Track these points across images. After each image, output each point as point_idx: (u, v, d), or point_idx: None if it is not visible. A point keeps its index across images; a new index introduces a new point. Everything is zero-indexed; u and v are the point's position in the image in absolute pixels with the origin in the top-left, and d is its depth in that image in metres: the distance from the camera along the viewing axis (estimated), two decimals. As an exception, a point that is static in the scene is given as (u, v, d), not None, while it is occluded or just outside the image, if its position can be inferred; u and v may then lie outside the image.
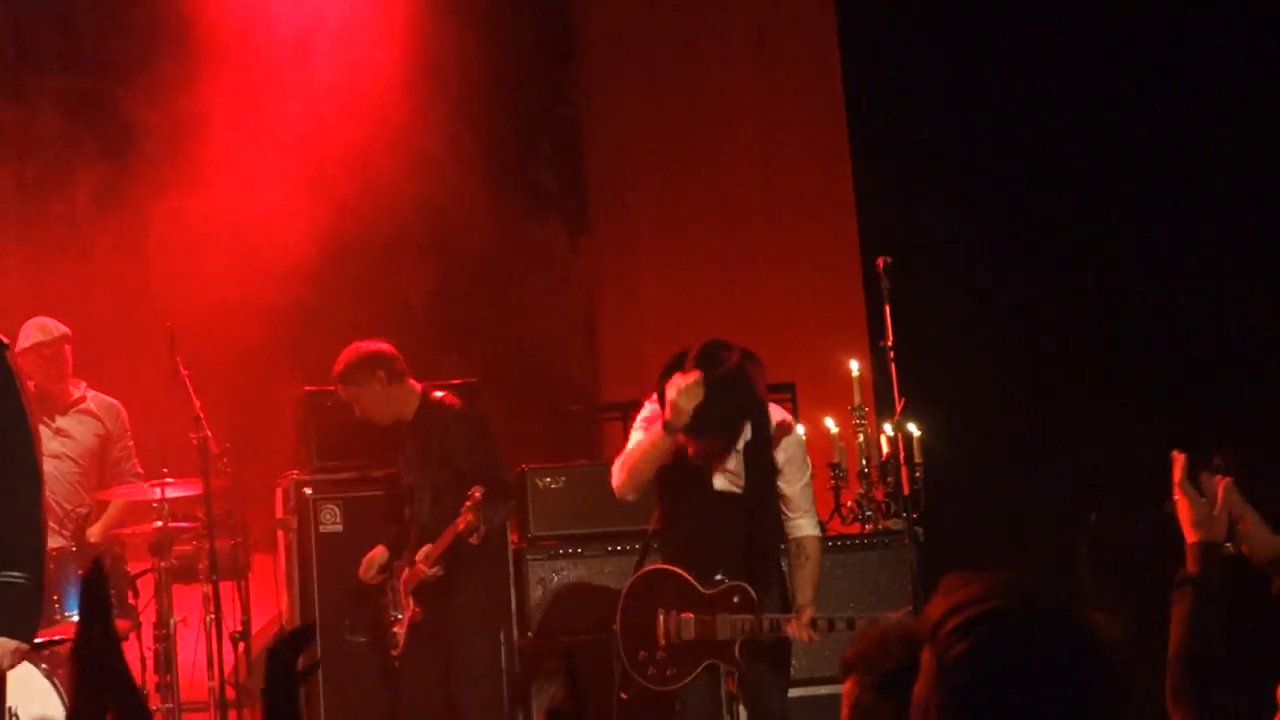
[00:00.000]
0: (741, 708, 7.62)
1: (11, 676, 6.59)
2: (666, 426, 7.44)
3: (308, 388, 9.55)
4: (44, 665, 8.04)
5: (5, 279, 10.86)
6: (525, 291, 12.25)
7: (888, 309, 6.96)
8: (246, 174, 10.72)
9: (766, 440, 7.55)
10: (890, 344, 6.92)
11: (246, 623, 9.55)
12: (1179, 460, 4.09)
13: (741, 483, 7.58)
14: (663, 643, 7.53)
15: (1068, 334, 9.35)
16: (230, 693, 9.14)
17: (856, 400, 8.37)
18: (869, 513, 8.70)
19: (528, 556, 9.28)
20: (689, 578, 7.55)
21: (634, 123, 12.24)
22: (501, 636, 8.95)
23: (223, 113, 10.63)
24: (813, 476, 7.71)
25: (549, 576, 9.29)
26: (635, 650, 7.58)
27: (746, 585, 7.48)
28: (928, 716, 2.64)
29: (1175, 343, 9.22)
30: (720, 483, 7.60)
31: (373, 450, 9.30)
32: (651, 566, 7.75)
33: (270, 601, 9.92)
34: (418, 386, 8.70)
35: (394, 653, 8.65)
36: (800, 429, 7.88)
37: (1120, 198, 9.52)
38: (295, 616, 9.26)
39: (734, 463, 7.57)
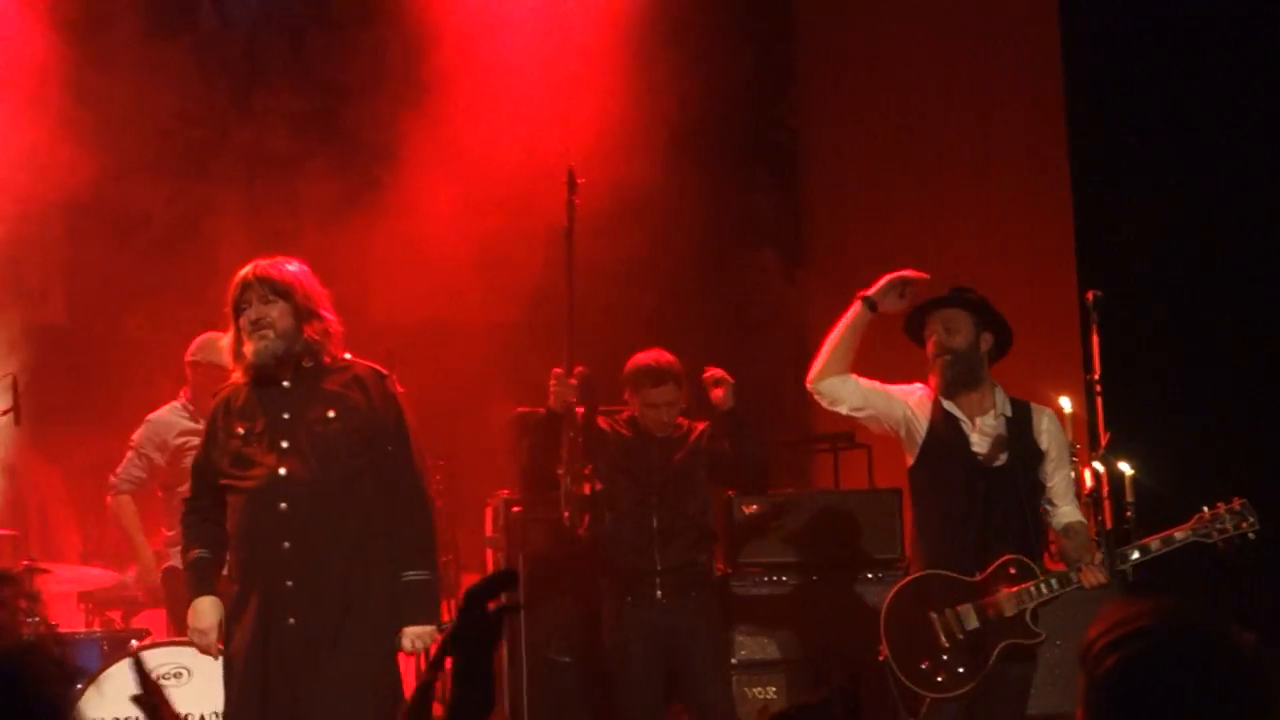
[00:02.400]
0: None
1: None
2: (866, 300, 7.30)
3: (520, 409, 9.65)
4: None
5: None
6: (740, 320, 12.29)
7: (1096, 342, 6.88)
8: (465, 197, 10.87)
9: (1026, 414, 7.32)
10: (1098, 378, 6.85)
11: (454, 635, 9.66)
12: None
13: (1005, 457, 7.28)
14: (946, 644, 7.18)
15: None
16: (438, 709, 9.25)
17: (1069, 437, 8.28)
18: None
19: (733, 584, 9.30)
20: (950, 574, 7.23)
21: (851, 152, 12.24)
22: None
23: (443, 136, 10.80)
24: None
25: (753, 604, 9.30)
26: (915, 664, 7.22)
27: (1016, 554, 7.15)
28: None
29: None
30: (979, 447, 7.31)
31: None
32: (905, 580, 7.42)
33: (478, 620, 10.01)
34: None
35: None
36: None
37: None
38: (504, 637, 9.35)
39: (989, 435, 7.31)
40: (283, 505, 6.55)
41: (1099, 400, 6.89)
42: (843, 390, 7.44)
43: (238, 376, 6.74)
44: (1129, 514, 7.75)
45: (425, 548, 6.70)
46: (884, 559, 9.38)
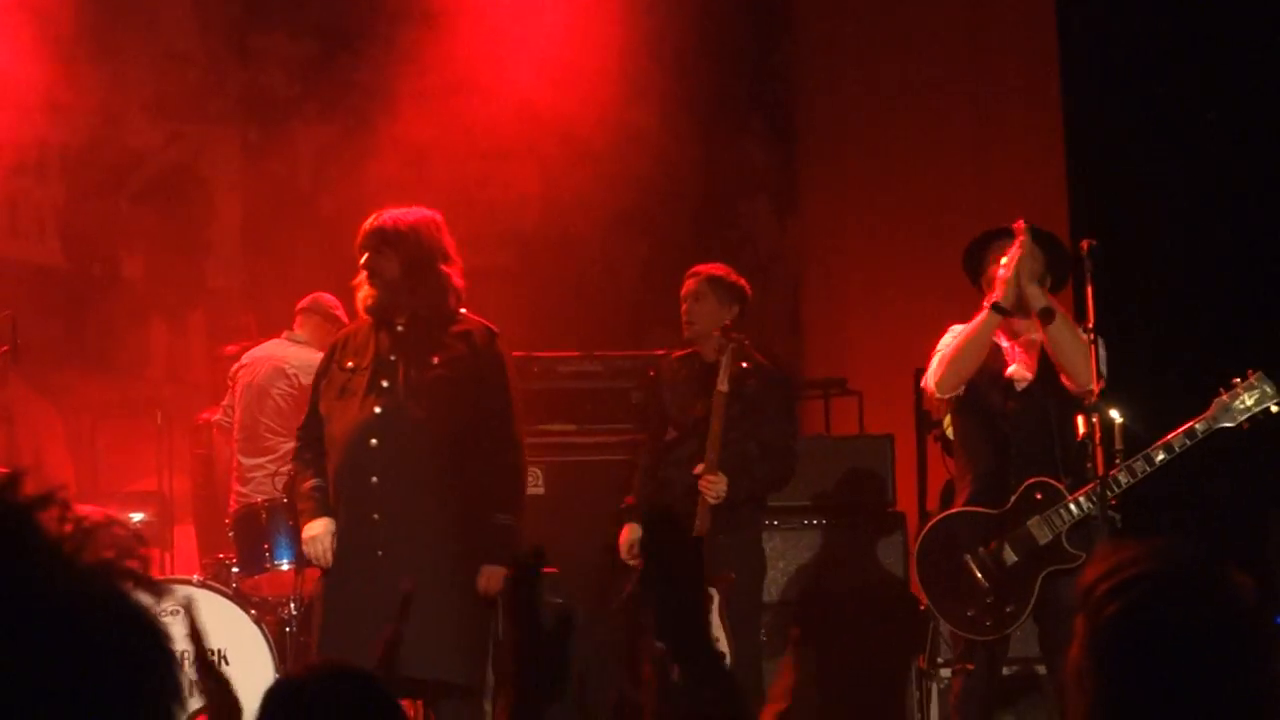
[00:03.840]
0: None
1: (221, 620, 7.34)
2: (995, 307, 7.08)
3: (515, 353, 9.68)
4: (253, 611, 8.24)
5: (226, 237, 11.15)
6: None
7: (1090, 291, 6.89)
8: (460, 142, 10.88)
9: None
10: (1091, 326, 6.86)
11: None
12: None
13: (1033, 376, 7.20)
14: (986, 585, 7.05)
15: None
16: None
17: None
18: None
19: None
20: (975, 509, 7.13)
21: (846, 103, 12.25)
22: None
23: (438, 81, 10.79)
24: None
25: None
26: (960, 612, 7.10)
27: (1041, 478, 7.04)
28: (1082, 680, 2.69)
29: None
30: (1012, 368, 7.21)
31: (579, 415, 9.40)
32: (928, 526, 7.35)
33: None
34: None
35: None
36: None
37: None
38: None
39: (1024, 355, 7.24)
40: (373, 441, 6.85)
41: (1093, 350, 6.90)
42: (961, 388, 7.32)
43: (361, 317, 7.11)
44: (1117, 461, 7.78)
45: (513, 495, 7.00)
46: (876, 505, 9.43)
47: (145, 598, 1.70)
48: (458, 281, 7.10)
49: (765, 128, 12.34)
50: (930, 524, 7.40)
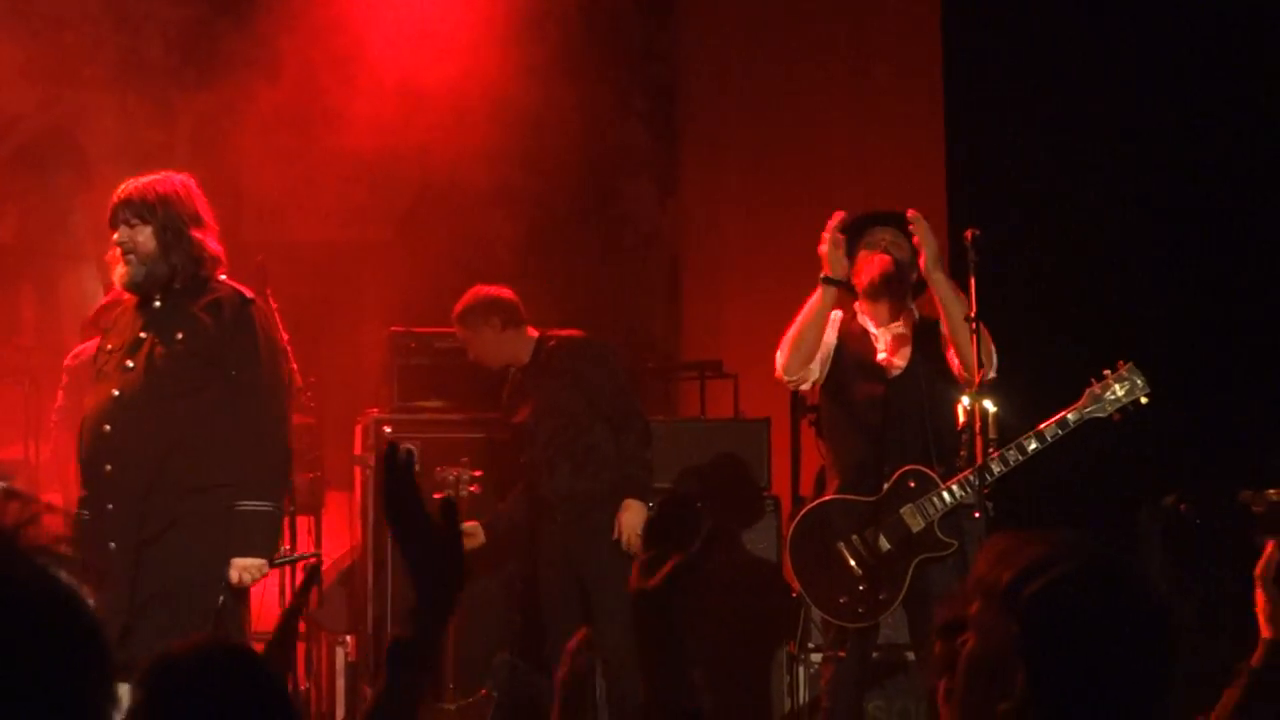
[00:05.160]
0: None
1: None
2: (825, 280, 7.19)
3: (393, 328, 9.63)
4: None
5: (102, 203, 10.99)
6: (611, 246, 12.31)
7: (973, 282, 6.94)
8: (340, 113, 10.80)
9: (934, 323, 7.25)
10: (974, 315, 6.91)
11: (319, 557, 9.69)
12: (1268, 550, 3.89)
13: (905, 363, 7.27)
14: (859, 572, 7.08)
15: (1159, 312, 9.32)
16: (301, 625, 9.25)
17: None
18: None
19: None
20: (848, 497, 7.16)
21: (729, 85, 12.26)
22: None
23: (319, 50, 10.70)
24: None
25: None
26: (833, 599, 7.13)
27: (913, 466, 7.10)
28: (1000, 678, 2.70)
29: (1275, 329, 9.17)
30: (882, 353, 7.30)
31: (454, 392, 9.37)
32: (802, 512, 7.36)
33: (342, 538, 10.02)
34: (534, 333, 8.74)
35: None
36: None
37: (1229, 173, 9.45)
38: (369, 553, 9.34)
39: (894, 341, 7.31)
40: (107, 427, 6.42)
41: (974, 339, 6.94)
42: (808, 369, 7.36)
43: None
44: (991, 451, 7.82)
45: (266, 478, 6.51)
46: (750, 489, 9.45)
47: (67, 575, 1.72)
48: (212, 248, 6.58)
49: (648, 107, 12.32)
50: (804, 510, 7.42)
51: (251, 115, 10.76)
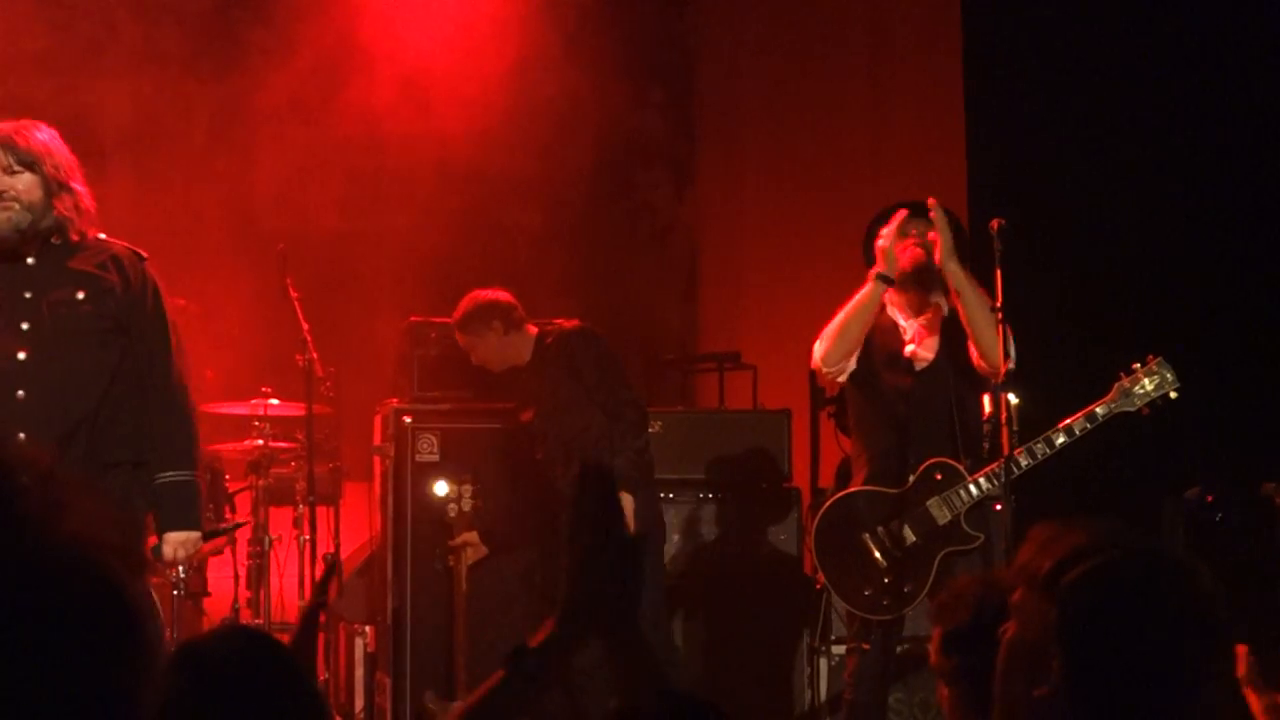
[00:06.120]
0: None
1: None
2: (880, 277, 7.15)
3: (413, 318, 9.61)
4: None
5: (119, 193, 10.97)
6: (629, 237, 12.30)
7: (999, 272, 6.90)
8: (357, 104, 10.78)
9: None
10: (999, 305, 6.87)
11: (338, 546, 9.69)
12: (1242, 655, 3.94)
13: (934, 355, 7.25)
14: (884, 564, 7.06)
15: (1183, 305, 9.29)
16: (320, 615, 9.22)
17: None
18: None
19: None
20: (875, 488, 7.14)
21: (746, 74, 12.24)
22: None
23: (338, 41, 10.69)
24: None
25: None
26: (858, 591, 7.10)
27: (940, 458, 7.07)
28: (1038, 664, 2.69)
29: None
30: (911, 345, 7.26)
31: (474, 383, 9.34)
32: (827, 503, 7.33)
33: (361, 528, 10.01)
34: (534, 330, 8.74)
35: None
36: None
37: (1257, 165, 9.41)
38: (388, 544, 9.32)
39: (924, 333, 7.28)
40: (20, 393, 6.03)
41: (1000, 330, 6.91)
42: (848, 361, 7.33)
43: None
44: (1017, 449, 7.80)
45: (184, 446, 6.21)
46: (770, 480, 9.42)
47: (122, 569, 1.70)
48: (87, 203, 6.13)
49: (665, 98, 12.30)
50: (829, 502, 7.38)
51: (268, 105, 10.74)
